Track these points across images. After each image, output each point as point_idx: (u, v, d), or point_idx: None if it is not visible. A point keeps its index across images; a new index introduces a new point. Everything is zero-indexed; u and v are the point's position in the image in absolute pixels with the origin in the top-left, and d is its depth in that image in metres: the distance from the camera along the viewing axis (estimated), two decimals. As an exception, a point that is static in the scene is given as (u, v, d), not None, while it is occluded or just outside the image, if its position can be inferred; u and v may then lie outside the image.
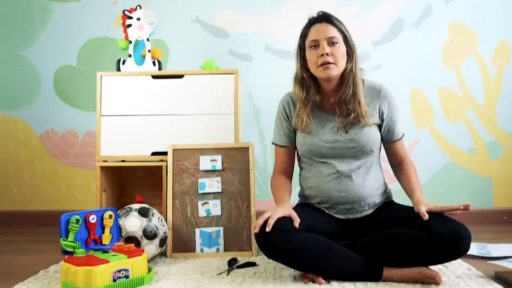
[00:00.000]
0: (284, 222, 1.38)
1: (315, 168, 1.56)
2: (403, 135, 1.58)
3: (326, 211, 1.55)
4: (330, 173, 1.51)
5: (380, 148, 1.61)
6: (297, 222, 1.36)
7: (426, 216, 1.30)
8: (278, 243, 1.33)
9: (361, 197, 1.50)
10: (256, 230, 1.34)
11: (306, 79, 1.53)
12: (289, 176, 1.68)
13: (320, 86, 1.54)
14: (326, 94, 1.54)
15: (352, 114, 1.47)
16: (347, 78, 1.48)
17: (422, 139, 2.46)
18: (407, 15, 2.46)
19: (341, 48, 1.46)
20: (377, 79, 1.60)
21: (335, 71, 1.46)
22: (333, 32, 1.45)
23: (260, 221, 1.34)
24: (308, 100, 1.52)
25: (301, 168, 1.65)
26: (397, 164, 1.59)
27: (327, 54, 1.43)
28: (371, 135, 1.50)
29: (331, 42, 1.45)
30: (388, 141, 1.57)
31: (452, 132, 2.45)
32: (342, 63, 1.47)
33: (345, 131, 1.49)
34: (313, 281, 1.36)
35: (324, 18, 1.48)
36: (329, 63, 1.43)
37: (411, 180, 1.50)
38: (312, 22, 1.51)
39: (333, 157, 1.51)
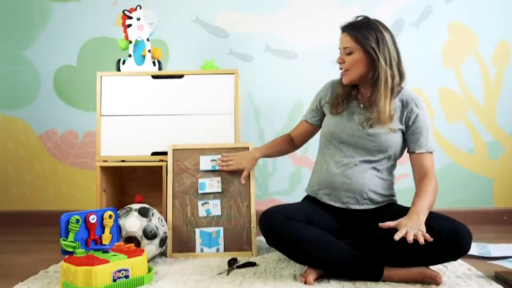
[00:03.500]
0: (288, 209, 1.49)
1: (328, 153, 1.61)
2: (429, 152, 1.52)
3: (328, 201, 1.57)
4: (340, 159, 1.56)
5: (399, 156, 1.59)
6: (242, 178, 1.79)
7: (383, 226, 1.34)
8: (281, 229, 1.40)
9: (365, 188, 1.52)
10: (218, 163, 1.83)
11: None
12: (295, 142, 1.84)
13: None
14: (361, 92, 1.61)
15: (374, 115, 1.52)
16: (371, 83, 1.54)
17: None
18: (407, 15, 2.46)
19: (355, 56, 1.52)
20: (418, 96, 1.60)
21: (347, 78, 1.56)
22: (347, 42, 1.54)
23: (223, 159, 1.82)
24: (347, 96, 1.62)
25: (317, 157, 1.71)
26: (419, 180, 1.50)
27: (340, 62, 1.56)
28: (392, 138, 1.52)
29: (346, 52, 1.54)
30: (411, 152, 1.55)
31: (452, 132, 2.45)
32: (356, 70, 1.53)
33: (369, 126, 1.53)
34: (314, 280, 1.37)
35: (344, 28, 1.57)
36: (344, 69, 1.56)
37: (421, 189, 1.45)
38: (341, 30, 1.60)
39: (350, 145, 1.55)
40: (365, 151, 1.54)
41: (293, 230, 1.40)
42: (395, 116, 1.52)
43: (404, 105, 1.54)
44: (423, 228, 1.30)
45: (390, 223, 1.33)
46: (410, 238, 1.24)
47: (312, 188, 1.66)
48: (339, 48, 1.58)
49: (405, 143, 1.56)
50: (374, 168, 1.54)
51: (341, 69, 1.57)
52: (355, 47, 1.51)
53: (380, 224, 1.34)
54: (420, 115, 1.53)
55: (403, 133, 1.55)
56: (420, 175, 1.51)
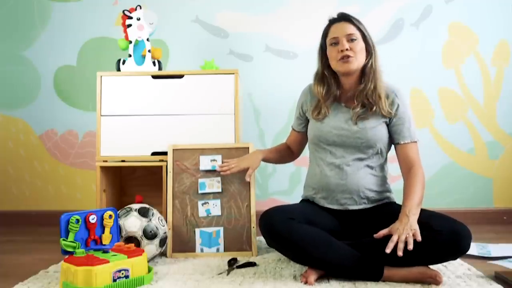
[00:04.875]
0: (288, 210, 1.48)
1: (319, 157, 1.61)
2: (413, 141, 1.55)
3: (325, 205, 1.57)
4: (333, 161, 1.56)
5: (387, 149, 1.60)
6: (247, 176, 1.73)
7: (378, 236, 1.35)
8: (282, 229, 1.39)
9: (360, 187, 1.53)
10: (218, 169, 1.78)
11: (327, 76, 1.60)
12: (292, 150, 1.83)
13: (340, 81, 1.60)
14: (345, 89, 1.60)
15: (374, 107, 1.52)
16: (368, 73, 1.54)
17: (422, 139, 2.44)
18: (407, 15, 2.46)
19: (360, 44, 1.53)
20: (397, 86, 1.62)
21: (354, 64, 1.52)
22: (351, 29, 1.52)
23: (224, 165, 1.76)
24: (328, 96, 1.60)
25: (309, 160, 1.70)
26: (406, 173, 1.52)
27: (347, 49, 1.50)
28: (378, 132, 1.53)
29: (350, 39, 1.52)
30: (395, 143, 1.57)
31: (452, 132, 2.45)
32: (361, 58, 1.53)
33: (354, 123, 1.54)
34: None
35: (343, 17, 1.56)
36: (348, 56, 1.50)
37: (409, 186, 1.46)
38: (332, 21, 1.59)
39: (339, 146, 1.56)
40: (354, 149, 1.54)
41: (293, 230, 1.39)
42: (386, 102, 1.53)
43: (385, 95, 1.55)
44: (415, 227, 1.31)
45: (384, 232, 1.35)
46: (400, 253, 1.26)
47: (308, 193, 1.66)
48: (334, 37, 1.53)
49: (391, 136, 1.57)
50: (367, 166, 1.55)
51: (342, 57, 1.51)
52: (358, 35, 1.52)
53: (375, 236, 1.35)
54: (401, 105, 1.54)
55: (387, 125, 1.56)
56: (406, 167, 1.53)
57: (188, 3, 2.51)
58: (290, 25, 2.48)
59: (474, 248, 1.74)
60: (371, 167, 1.56)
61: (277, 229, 1.41)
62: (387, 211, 1.51)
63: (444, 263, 1.53)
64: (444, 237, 1.30)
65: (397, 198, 1.62)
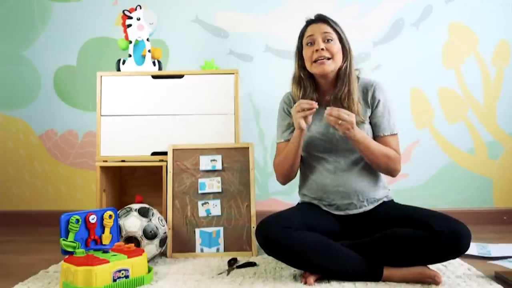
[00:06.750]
0: (284, 218, 1.44)
1: (313, 165, 1.58)
2: (393, 134, 1.53)
3: (326, 209, 1.56)
4: (327, 168, 1.54)
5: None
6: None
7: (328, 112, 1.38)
8: (279, 240, 1.36)
9: (359, 190, 1.51)
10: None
11: (304, 78, 1.58)
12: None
13: (317, 84, 1.58)
14: (323, 92, 1.58)
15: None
16: (342, 76, 1.53)
17: (422, 139, 2.46)
18: (407, 15, 2.46)
19: (337, 45, 1.52)
20: (377, 79, 1.60)
21: (331, 66, 1.50)
22: (328, 29, 1.52)
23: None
24: (305, 98, 1.56)
25: (300, 168, 1.67)
26: None
27: (322, 49, 1.49)
28: (365, 130, 1.51)
29: (326, 39, 1.50)
30: (375, 136, 1.53)
31: (452, 132, 2.45)
32: (338, 59, 1.51)
33: None
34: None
35: (320, 18, 1.56)
36: (324, 58, 1.48)
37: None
38: (309, 22, 1.58)
39: (330, 151, 1.54)
40: (347, 152, 1.52)
41: (290, 239, 1.36)
42: (360, 106, 1.51)
43: (365, 92, 1.54)
44: (351, 119, 1.38)
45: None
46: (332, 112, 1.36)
47: (307, 199, 1.62)
48: (310, 36, 1.51)
49: (372, 128, 1.54)
50: (363, 167, 1.53)
51: (317, 59, 1.48)
52: (334, 36, 1.51)
53: (326, 113, 1.39)
54: (381, 98, 1.53)
55: (369, 117, 1.53)
56: None
57: (187, 3, 2.51)
58: (289, 25, 2.48)
59: (474, 248, 1.74)
60: (366, 166, 1.54)
61: (274, 239, 1.37)
62: (386, 211, 1.51)
63: (444, 263, 1.54)
64: (445, 237, 1.30)
65: (397, 198, 1.62)
